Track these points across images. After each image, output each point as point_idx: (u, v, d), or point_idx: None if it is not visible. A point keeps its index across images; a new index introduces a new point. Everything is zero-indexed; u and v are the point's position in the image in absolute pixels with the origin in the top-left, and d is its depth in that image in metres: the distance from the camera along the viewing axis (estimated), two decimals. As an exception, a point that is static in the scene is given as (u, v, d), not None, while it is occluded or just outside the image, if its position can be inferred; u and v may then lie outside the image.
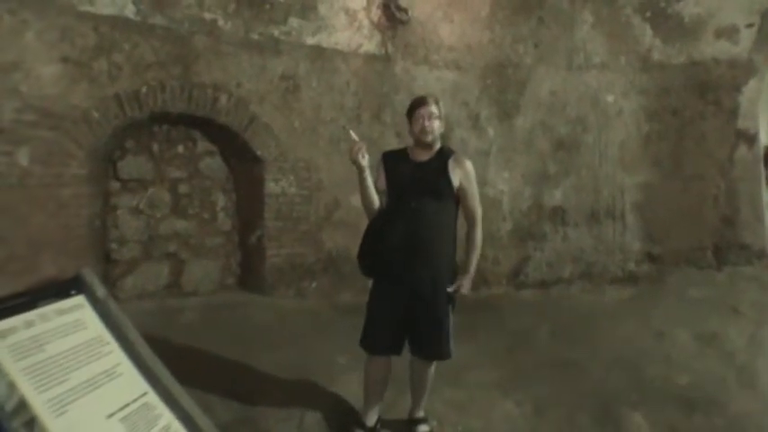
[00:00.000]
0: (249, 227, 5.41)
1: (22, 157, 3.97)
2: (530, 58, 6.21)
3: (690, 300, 5.35)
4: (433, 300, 2.83)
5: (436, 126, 2.80)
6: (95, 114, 4.32)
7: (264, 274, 5.24)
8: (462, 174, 2.82)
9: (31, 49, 4.03)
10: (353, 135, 2.78)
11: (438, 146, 2.87)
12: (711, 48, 6.10)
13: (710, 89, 6.11)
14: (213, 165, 5.47)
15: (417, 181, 2.79)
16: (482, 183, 6.08)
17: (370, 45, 5.68)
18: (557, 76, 6.22)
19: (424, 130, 2.79)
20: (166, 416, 1.30)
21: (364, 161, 2.72)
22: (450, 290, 2.85)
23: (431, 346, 2.90)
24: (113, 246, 4.95)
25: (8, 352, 1.14)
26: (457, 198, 2.86)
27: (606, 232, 6.25)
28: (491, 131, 6.17)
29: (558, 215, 6.25)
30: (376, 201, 2.85)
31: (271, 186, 5.21)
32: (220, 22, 4.89)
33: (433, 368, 3.01)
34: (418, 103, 2.84)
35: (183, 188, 5.31)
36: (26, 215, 3.98)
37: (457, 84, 6.04)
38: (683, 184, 6.17)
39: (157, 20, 4.59)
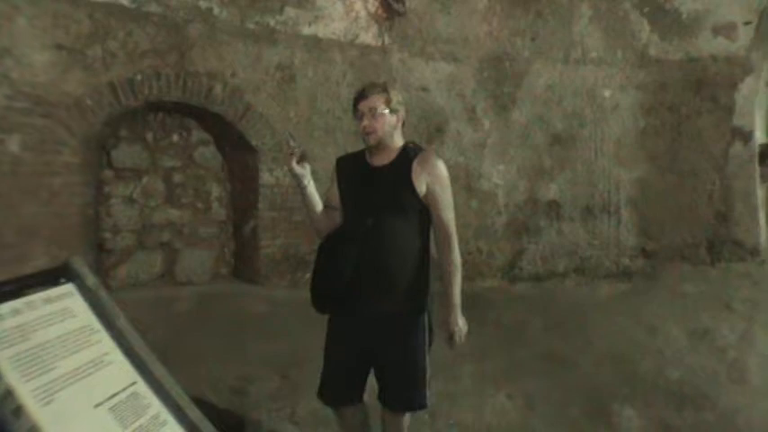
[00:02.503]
0: (243, 217, 5.39)
1: (14, 145, 3.91)
2: (527, 51, 6.18)
3: (683, 295, 5.36)
4: (398, 339, 2.30)
5: (381, 125, 2.26)
6: (89, 102, 4.27)
7: (258, 265, 5.23)
8: (430, 178, 2.27)
9: (23, 35, 3.96)
10: (292, 141, 2.32)
11: (399, 144, 2.35)
12: (709, 44, 6.09)
13: (707, 86, 6.09)
14: (208, 154, 5.43)
15: (373, 192, 2.29)
16: (477, 176, 6.12)
17: (366, 36, 5.64)
18: (553, 70, 6.20)
19: (364, 131, 2.28)
20: (155, 405, 1.29)
21: (302, 169, 2.28)
22: (449, 344, 2.37)
23: (398, 393, 2.35)
24: (107, 235, 4.92)
25: (-5, 340, 1.13)
26: (427, 209, 2.33)
27: (601, 227, 6.26)
28: (487, 124, 6.15)
29: (553, 209, 6.25)
30: (319, 218, 2.40)
31: (265, 176, 5.18)
32: (216, 11, 4.85)
33: (406, 420, 2.48)
34: (357, 98, 2.32)
35: (177, 177, 5.27)
36: (18, 204, 3.92)
37: (453, 76, 6.01)
38: (678, 179, 6.17)
39: (152, 7, 4.54)
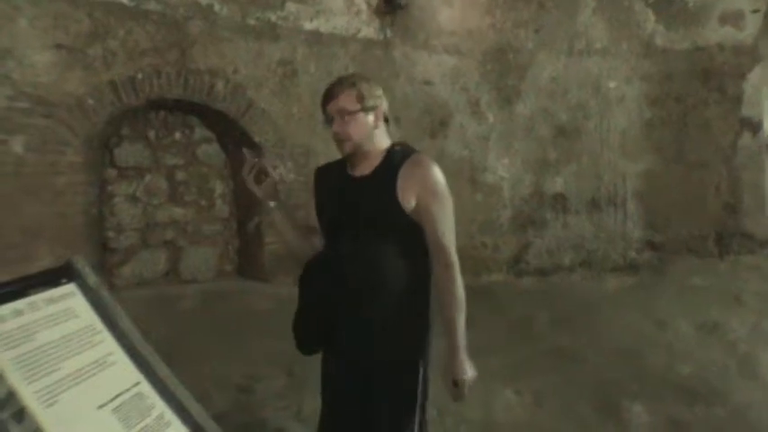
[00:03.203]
0: (247, 214, 5.37)
1: (17, 146, 3.93)
2: (530, 43, 6.14)
3: (691, 289, 5.33)
4: (379, 396, 1.83)
5: (355, 128, 1.83)
6: (90, 101, 4.26)
7: (263, 262, 5.21)
8: (420, 189, 1.79)
9: (23, 35, 3.97)
10: (248, 154, 1.99)
11: (383, 147, 1.90)
12: (716, 33, 6.03)
13: (714, 76, 6.05)
14: (211, 151, 5.42)
15: (351, 208, 1.87)
16: (482, 169, 6.09)
17: (368, 30, 5.61)
18: (558, 62, 6.16)
19: (337, 138, 1.88)
20: (160, 405, 1.27)
21: (263, 189, 1.95)
22: (452, 395, 1.89)
23: None
24: (110, 234, 4.91)
25: (-3, 342, 1.11)
26: (419, 227, 1.84)
27: (607, 220, 6.23)
28: (491, 117, 6.12)
29: (559, 202, 6.22)
30: (294, 244, 2.05)
31: (269, 173, 5.15)
32: (216, 7, 4.82)
33: None
34: (323, 100, 1.90)
35: (180, 175, 5.26)
36: (21, 204, 3.93)
37: (457, 69, 5.97)
38: (686, 171, 6.14)
39: (152, 5, 4.51)
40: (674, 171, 6.17)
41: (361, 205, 1.85)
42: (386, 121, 1.93)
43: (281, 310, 4.63)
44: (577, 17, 6.15)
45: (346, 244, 1.85)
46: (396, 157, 1.86)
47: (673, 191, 6.14)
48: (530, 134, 6.20)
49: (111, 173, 4.94)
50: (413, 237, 1.83)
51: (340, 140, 1.87)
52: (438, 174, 1.83)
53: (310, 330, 1.92)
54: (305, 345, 1.97)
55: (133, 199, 5.03)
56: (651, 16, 6.16)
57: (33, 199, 3.98)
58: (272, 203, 1.97)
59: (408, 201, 1.80)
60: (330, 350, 1.94)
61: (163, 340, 3.52)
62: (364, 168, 1.88)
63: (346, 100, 1.83)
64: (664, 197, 6.17)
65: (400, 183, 1.80)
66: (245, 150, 2.04)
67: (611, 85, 6.21)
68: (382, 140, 1.91)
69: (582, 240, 6.21)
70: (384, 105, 1.91)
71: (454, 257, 1.83)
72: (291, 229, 2.04)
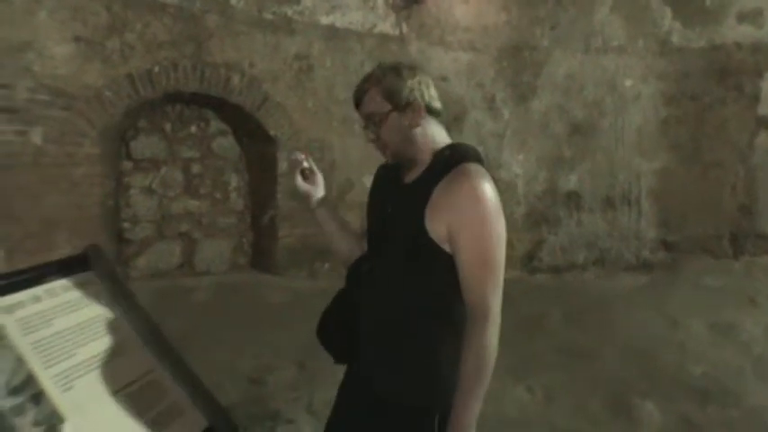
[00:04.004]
0: (262, 207, 5.41)
1: (36, 137, 3.99)
2: (546, 40, 6.10)
3: (705, 289, 5.28)
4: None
5: (389, 134, 1.50)
6: (108, 94, 4.31)
7: (277, 255, 5.25)
8: (452, 215, 1.39)
9: (43, 28, 4.02)
10: (299, 155, 1.78)
11: (434, 147, 1.52)
12: (733, 31, 5.95)
13: (731, 74, 5.97)
14: (226, 144, 5.47)
15: (386, 219, 1.57)
16: (497, 165, 6.07)
17: (384, 25, 5.61)
18: (573, 59, 6.12)
19: (376, 148, 1.59)
20: (173, 393, 1.29)
21: (306, 184, 1.75)
22: None
23: None
24: (126, 225, 4.98)
25: (16, 326, 1.12)
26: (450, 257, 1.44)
27: (621, 218, 6.19)
28: (506, 114, 6.10)
29: (573, 200, 6.19)
30: (337, 245, 1.79)
31: (284, 166, 5.18)
32: (233, 1, 4.84)
33: None
34: (355, 105, 1.58)
35: (195, 168, 5.32)
36: (40, 194, 4.00)
37: (472, 65, 5.96)
38: (701, 170, 6.08)
39: (170, -2, 4.56)
40: (689, 170, 6.11)
41: (395, 219, 1.52)
42: (433, 113, 1.54)
43: (294, 303, 4.68)
44: (594, 15, 6.11)
45: (372, 260, 1.59)
46: (439, 166, 1.47)
47: (688, 190, 6.08)
48: (545, 131, 6.16)
49: (128, 165, 5.00)
50: (447, 267, 1.43)
51: (379, 150, 1.57)
52: (481, 198, 1.39)
53: (326, 338, 1.71)
54: (329, 348, 1.71)
55: (149, 191, 5.09)
56: (668, 14, 6.10)
57: (52, 189, 4.04)
58: (315, 203, 1.75)
59: (436, 228, 1.41)
60: (349, 375, 1.70)
61: (176, 331, 3.56)
62: (412, 174, 1.54)
63: (372, 102, 1.51)
64: (678, 196, 6.12)
65: (431, 204, 1.42)
66: (294, 151, 1.83)
67: (627, 83, 6.16)
68: (431, 139, 1.53)
69: (595, 238, 6.17)
70: (426, 95, 1.51)
71: (492, 310, 1.40)
72: (336, 230, 1.77)
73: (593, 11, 6.10)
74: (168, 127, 5.18)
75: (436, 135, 1.54)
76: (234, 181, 5.51)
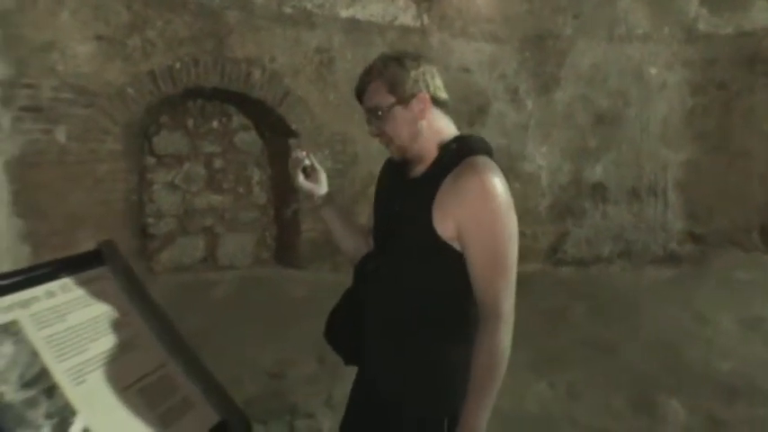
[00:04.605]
0: (284, 201, 5.43)
1: (60, 135, 4.06)
2: (569, 29, 6.00)
3: (734, 282, 5.15)
4: None
5: (394, 129, 1.44)
6: (130, 91, 4.36)
7: (299, 249, 5.27)
8: (460, 211, 1.33)
9: (66, 28, 4.09)
10: (299, 152, 1.75)
11: (440, 140, 1.45)
12: (763, 16, 5.79)
13: (761, 61, 5.82)
14: (248, 139, 5.50)
15: (392, 215, 1.50)
16: (521, 157, 6.01)
17: (405, 17, 5.57)
18: (597, 48, 6.01)
19: (381, 143, 1.52)
20: (184, 388, 1.29)
21: (308, 183, 1.70)
22: None
23: None
24: (150, 220, 5.05)
25: (31, 321, 1.13)
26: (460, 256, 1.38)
27: (647, 210, 6.08)
28: (530, 105, 6.03)
29: (598, 191, 6.11)
30: (343, 243, 1.74)
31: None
32: (253, -4, 4.86)
33: None
34: (357, 98, 1.54)
35: (218, 163, 5.37)
36: (65, 191, 4.08)
37: (495, 56, 5.89)
38: (729, 160, 5.94)
39: (190, -5, 4.59)
40: (716, 160, 5.99)
41: (401, 216, 1.45)
42: (439, 104, 1.47)
43: (317, 297, 4.68)
44: (618, 2, 5.99)
45: (377, 257, 1.54)
46: (446, 160, 1.40)
47: (715, 181, 5.96)
48: (569, 122, 6.08)
49: (151, 161, 5.07)
50: (456, 265, 1.37)
51: (384, 143, 1.51)
52: (490, 193, 1.32)
53: (333, 338, 1.68)
54: (337, 350, 1.68)
55: (172, 186, 5.15)
56: (694, 0, 5.95)
57: (76, 186, 4.12)
58: (319, 201, 1.71)
59: (444, 225, 1.35)
60: (359, 375, 1.66)
61: (198, 325, 3.61)
62: (419, 169, 1.47)
63: (375, 94, 1.45)
64: (706, 187, 6.00)
65: (438, 200, 1.35)
66: (291, 142, 1.84)
67: (653, 71, 6.04)
68: (438, 132, 1.46)
69: (621, 231, 6.08)
70: (431, 85, 1.44)
71: (504, 310, 1.34)
72: (341, 227, 1.72)
73: (617, -2, 5.99)
74: (190, 122, 5.23)
75: (443, 127, 1.48)
76: (256, 175, 5.55)
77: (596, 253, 6.08)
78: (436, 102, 1.46)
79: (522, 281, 4.71)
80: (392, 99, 1.43)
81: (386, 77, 1.43)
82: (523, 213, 6.01)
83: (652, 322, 4.33)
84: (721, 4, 5.90)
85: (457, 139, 1.46)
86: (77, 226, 4.03)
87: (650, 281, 5.45)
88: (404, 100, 1.42)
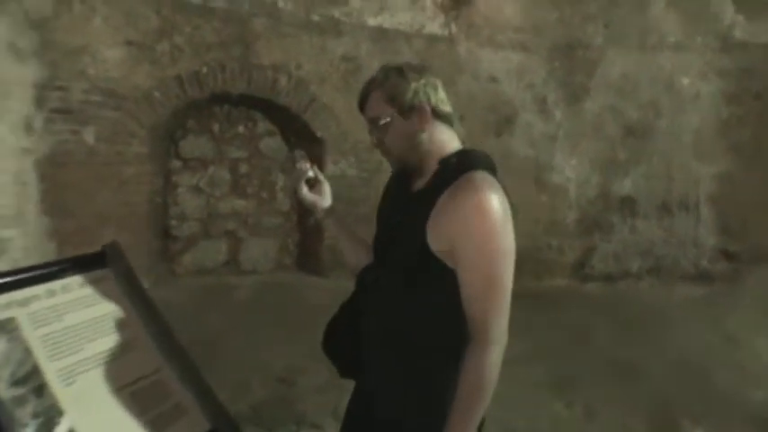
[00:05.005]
0: (307, 208, 5.44)
1: (89, 136, 4.19)
2: (600, 38, 5.91)
3: (770, 303, 4.96)
4: None
5: (392, 140, 1.43)
6: (157, 95, 4.45)
7: (322, 256, 5.27)
8: (454, 229, 1.29)
9: (97, 33, 4.22)
10: (304, 163, 1.73)
11: (441, 153, 1.42)
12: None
13: (798, 71, 5.63)
14: (273, 145, 5.54)
15: (392, 227, 1.50)
16: (548, 168, 5.92)
17: (432, 26, 5.56)
18: (628, 58, 5.89)
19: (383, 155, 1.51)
20: (178, 394, 1.27)
21: (312, 194, 1.70)
22: None
23: None
24: (173, 222, 5.12)
25: (28, 319, 1.14)
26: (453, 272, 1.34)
27: (678, 225, 5.92)
28: (558, 115, 5.94)
29: (627, 205, 5.97)
30: (347, 252, 1.71)
31: (330, 168, 5.20)
32: (280, 4, 4.92)
33: None
34: (359, 108, 1.51)
35: (242, 168, 5.41)
36: (92, 191, 4.19)
37: (523, 65, 5.83)
38: (765, 174, 5.75)
39: (218, 2, 4.66)
40: (751, 174, 5.81)
41: (402, 230, 1.42)
42: (441, 117, 1.44)
43: (336, 305, 4.65)
44: (649, 10, 5.88)
45: (377, 268, 1.51)
46: (445, 174, 1.37)
47: (750, 195, 5.77)
48: (598, 133, 5.97)
49: (176, 164, 5.14)
50: (451, 286, 1.33)
51: (383, 154, 1.49)
52: (486, 210, 1.27)
53: (330, 349, 1.65)
54: (333, 362, 1.65)
55: (196, 190, 5.21)
56: (730, 7, 5.81)
57: (102, 186, 4.23)
58: (320, 214, 1.71)
59: (438, 241, 1.32)
60: (356, 387, 1.62)
61: (216, 327, 3.63)
62: (419, 182, 1.45)
63: (375, 105, 1.43)
64: (740, 202, 5.82)
65: (433, 215, 1.32)
66: (295, 153, 1.81)
67: (685, 81, 5.90)
68: (439, 145, 1.43)
69: (651, 246, 5.93)
70: (432, 97, 1.41)
71: (494, 331, 1.30)
72: (344, 239, 1.71)
73: (648, 6, 5.87)
74: (216, 127, 5.30)
75: (445, 141, 1.44)
76: (281, 181, 5.58)
77: (624, 269, 5.94)
78: (438, 114, 1.43)
79: (547, 296, 4.64)
80: (391, 110, 1.41)
81: (386, 88, 1.41)
82: (550, 226, 6.00)
83: (680, 343, 4.19)
84: (759, 10, 5.75)
85: (458, 154, 1.43)
86: (102, 225, 4.14)
87: (680, 299, 5.29)
88: (403, 111, 1.40)
